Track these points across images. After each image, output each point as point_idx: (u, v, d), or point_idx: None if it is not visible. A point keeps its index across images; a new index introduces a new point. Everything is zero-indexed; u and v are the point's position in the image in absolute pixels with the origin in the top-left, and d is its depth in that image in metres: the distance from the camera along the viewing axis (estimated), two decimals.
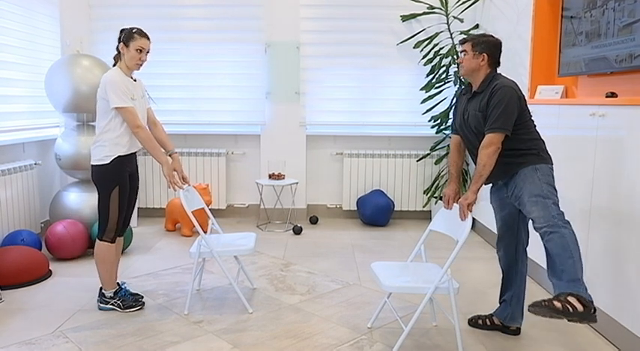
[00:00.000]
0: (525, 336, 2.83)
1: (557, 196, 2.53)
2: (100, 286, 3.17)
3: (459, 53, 2.74)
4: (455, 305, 2.53)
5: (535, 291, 3.45)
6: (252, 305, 3.20)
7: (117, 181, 2.99)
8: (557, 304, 2.27)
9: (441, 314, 3.00)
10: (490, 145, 2.55)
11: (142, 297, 3.20)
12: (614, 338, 2.73)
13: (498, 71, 2.70)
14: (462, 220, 2.58)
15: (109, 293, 3.13)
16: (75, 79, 4.16)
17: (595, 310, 2.30)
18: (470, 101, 2.72)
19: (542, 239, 2.45)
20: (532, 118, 2.67)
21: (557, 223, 2.40)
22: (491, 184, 2.82)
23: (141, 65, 3.02)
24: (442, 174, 5.33)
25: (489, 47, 2.66)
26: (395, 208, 5.36)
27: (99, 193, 3.02)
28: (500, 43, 2.71)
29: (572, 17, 3.56)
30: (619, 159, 2.66)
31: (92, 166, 3.01)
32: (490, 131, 2.56)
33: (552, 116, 3.37)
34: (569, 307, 2.26)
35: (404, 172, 5.47)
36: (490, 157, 2.54)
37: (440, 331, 2.88)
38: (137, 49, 2.95)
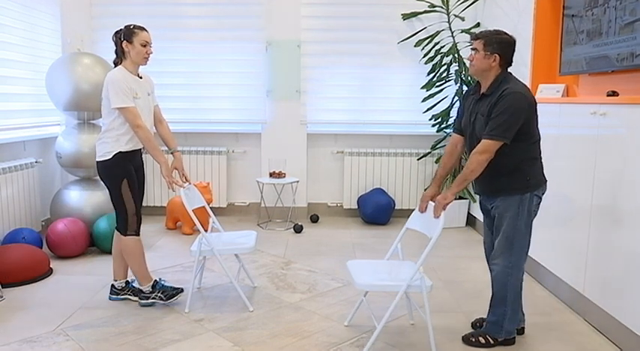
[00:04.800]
0: (526, 335, 2.82)
1: (529, 234, 2.60)
2: (112, 281, 3.24)
3: (470, 49, 2.58)
4: (427, 302, 2.54)
5: (537, 290, 3.46)
6: (253, 303, 3.21)
7: (123, 174, 3.01)
8: (482, 340, 2.69)
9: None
10: (484, 152, 2.44)
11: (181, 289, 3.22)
12: (614, 337, 2.73)
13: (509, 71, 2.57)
14: (435, 217, 2.55)
15: (147, 288, 3.15)
16: (76, 78, 4.16)
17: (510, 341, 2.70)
18: (478, 103, 2.58)
19: (490, 270, 2.70)
20: (538, 129, 2.53)
21: (508, 271, 2.60)
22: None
23: (147, 58, 3.06)
24: None
25: (502, 47, 2.49)
26: (395, 207, 5.35)
27: (109, 190, 3.04)
28: (515, 41, 2.54)
29: (573, 16, 3.55)
30: (620, 158, 2.66)
31: (97, 162, 3.05)
32: (488, 137, 2.44)
33: (553, 115, 3.37)
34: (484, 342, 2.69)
35: (404, 171, 5.46)
36: (480, 164, 2.45)
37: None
38: (142, 44, 3.00)
